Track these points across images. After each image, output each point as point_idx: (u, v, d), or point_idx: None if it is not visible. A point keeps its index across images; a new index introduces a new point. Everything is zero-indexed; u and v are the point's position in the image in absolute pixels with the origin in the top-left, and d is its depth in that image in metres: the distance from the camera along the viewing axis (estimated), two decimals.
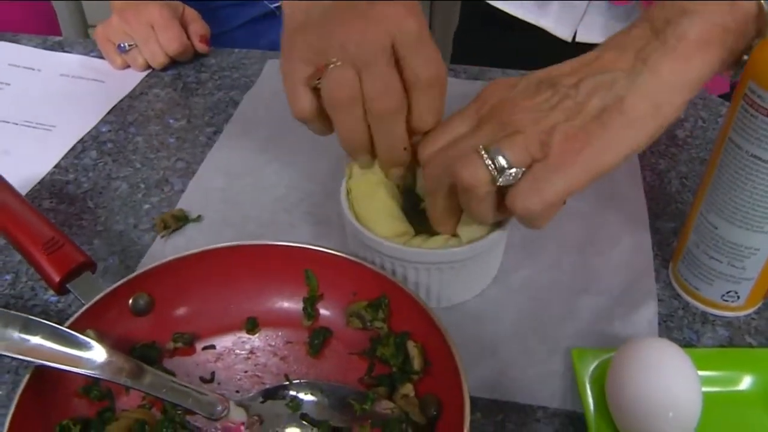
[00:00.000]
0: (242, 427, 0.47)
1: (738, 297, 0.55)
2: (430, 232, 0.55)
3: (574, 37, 0.89)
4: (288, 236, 0.63)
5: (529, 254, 0.62)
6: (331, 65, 0.50)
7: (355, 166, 0.56)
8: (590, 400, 0.49)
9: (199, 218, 0.66)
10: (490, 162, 0.45)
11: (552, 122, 0.45)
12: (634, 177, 0.70)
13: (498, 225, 0.54)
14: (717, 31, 0.45)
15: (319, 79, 0.51)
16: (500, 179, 0.45)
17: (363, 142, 0.53)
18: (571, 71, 0.48)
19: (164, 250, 0.63)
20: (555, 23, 0.89)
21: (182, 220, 0.65)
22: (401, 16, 0.50)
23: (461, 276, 0.56)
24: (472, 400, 0.43)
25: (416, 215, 0.57)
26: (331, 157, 0.71)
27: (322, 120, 0.53)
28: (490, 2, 0.93)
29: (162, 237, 0.64)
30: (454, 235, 0.54)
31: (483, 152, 0.46)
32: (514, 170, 0.45)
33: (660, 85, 0.45)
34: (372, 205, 0.55)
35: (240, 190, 0.69)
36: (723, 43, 0.46)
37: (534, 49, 0.80)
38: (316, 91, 0.52)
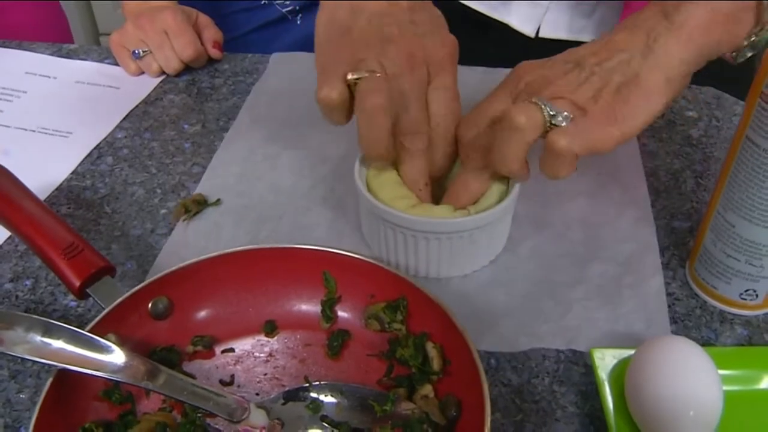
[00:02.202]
0: (263, 431, 0.47)
1: (756, 295, 0.55)
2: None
3: (538, 32, 0.92)
4: (304, 219, 0.66)
5: (536, 228, 0.65)
6: (378, 73, 0.54)
7: None
8: (609, 400, 0.48)
9: (218, 202, 0.68)
10: (545, 107, 0.50)
11: (584, 94, 0.51)
12: (633, 157, 0.72)
13: (504, 196, 0.58)
14: (718, 17, 0.51)
15: (357, 78, 0.54)
16: (554, 120, 0.50)
17: (382, 152, 0.55)
18: (592, 53, 0.53)
19: (186, 234, 0.64)
20: (519, 21, 0.93)
21: (202, 204, 0.67)
22: (446, 61, 0.58)
23: (473, 245, 0.58)
24: (494, 389, 0.44)
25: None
26: (340, 143, 0.74)
27: (342, 112, 0.55)
28: (462, 2, 0.96)
29: (183, 221, 0.65)
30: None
31: (536, 101, 0.51)
32: (565, 113, 0.50)
33: (669, 61, 0.51)
34: (384, 177, 0.58)
35: (256, 176, 0.71)
36: (723, 26, 0.51)
37: (503, 45, 0.87)
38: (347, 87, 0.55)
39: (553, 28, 0.91)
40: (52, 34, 1.21)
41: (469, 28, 0.96)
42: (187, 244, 0.63)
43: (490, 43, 0.90)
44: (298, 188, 0.70)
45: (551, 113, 0.50)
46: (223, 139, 0.76)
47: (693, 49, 0.51)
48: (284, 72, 0.87)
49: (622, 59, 0.52)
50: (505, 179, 0.58)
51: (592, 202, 0.67)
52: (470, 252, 0.59)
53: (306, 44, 0.81)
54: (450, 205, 0.57)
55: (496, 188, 0.57)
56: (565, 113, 0.50)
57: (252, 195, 0.69)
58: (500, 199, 0.57)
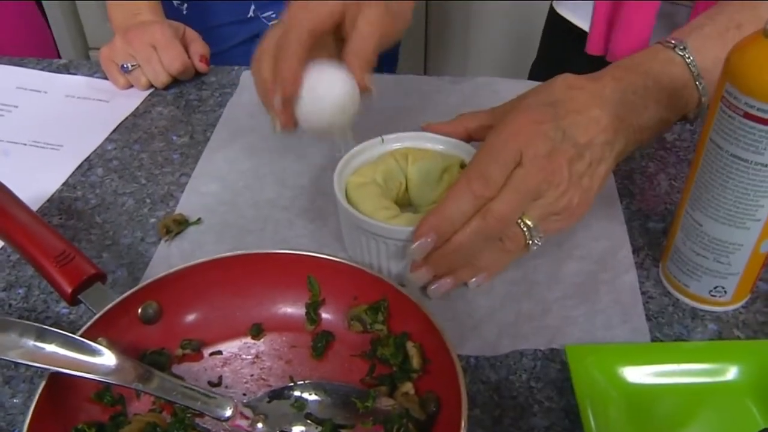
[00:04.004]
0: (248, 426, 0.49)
1: (725, 292, 0.57)
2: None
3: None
4: (287, 232, 0.67)
5: None
6: None
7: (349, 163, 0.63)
8: (584, 394, 0.50)
9: (199, 221, 0.69)
10: (527, 233, 0.56)
11: (574, 188, 0.56)
12: None
13: None
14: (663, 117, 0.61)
15: None
16: (531, 245, 0.57)
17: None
18: (585, 128, 0.57)
19: (169, 252, 0.65)
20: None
21: (183, 223, 0.68)
22: None
23: None
24: (473, 386, 0.45)
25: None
26: (318, 154, 0.75)
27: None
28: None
29: (166, 241, 0.66)
30: None
31: (526, 231, 0.56)
32: (541, 236, 0.57)
33: (619, 153, 0.59)
34: (365, 190, 0.60)
35: (235, 192, 0.72)
36: (667, 124, 0.63)
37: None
38: None
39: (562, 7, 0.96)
40: (37, 49, 1.22)
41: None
42: (170, 266, 0.61)
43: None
44: (279, 201, 0.71)
45: (531, 241, 0.56)
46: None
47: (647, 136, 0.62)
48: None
49: (603, 151, 0.57)
50: None
51: None
52: None
53: None
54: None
55: None
56: (541, 236, 0.56)
57: (232, 211, 0.70)
58: None
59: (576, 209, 0.57)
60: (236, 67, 0.93)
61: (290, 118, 0.61)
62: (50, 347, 0.48)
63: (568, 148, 0.56)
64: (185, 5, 1.10)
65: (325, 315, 0.57)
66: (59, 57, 1.29)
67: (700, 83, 0.61)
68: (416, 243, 0.54)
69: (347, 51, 0.60)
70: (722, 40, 0.61)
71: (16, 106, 0.87)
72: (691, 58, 0.61)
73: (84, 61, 0.97)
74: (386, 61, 1.10)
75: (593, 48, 0.88)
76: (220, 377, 0.54)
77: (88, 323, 0.51)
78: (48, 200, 0.72)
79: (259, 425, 0.48)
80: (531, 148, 0.54)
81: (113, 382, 0.48)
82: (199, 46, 0.91)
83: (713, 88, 0.57)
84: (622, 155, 0.60)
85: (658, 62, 0.61)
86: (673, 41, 0.62)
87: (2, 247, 0.66)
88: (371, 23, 0.60)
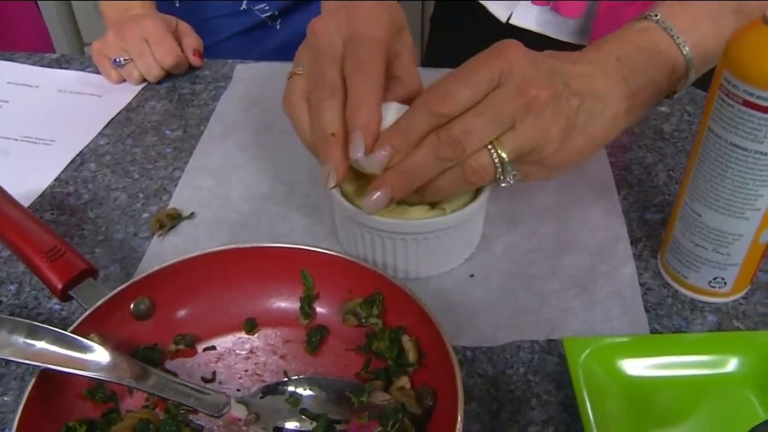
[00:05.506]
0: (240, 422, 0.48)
1: (725, 283, 0.56)
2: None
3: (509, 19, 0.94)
4: (281, 227, 0.66)
5: (507, 225, 0.66)
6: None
7: None
8: (582, 387, 0.50)
9: (192, 215, 0.68)
10: (500, 168, 0.51)
11: (556, 126, 0.51)
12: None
13: (477, 194, 0.58)
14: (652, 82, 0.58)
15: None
16: (502, 180, 0.52)
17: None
18: (577, 76, 0.53)
19: (162, 248, 0.65)
20: (495, 4, 0.94)
21: (176, 218, 0.67)
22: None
23: (448, 244, 0.59)
24: (470, 379, 0.45)
25: None
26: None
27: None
28: None
29: (159, 236, 0.65)
30: (433, 206, 0.58)
31: (491, 149, 0.51)
32: (514, 174, 0.52)
33: (617, 115, 0.55)
34: (360, 183, 0.58)
35: (229, 187, 0.71)
36: (656, 93, 0.58)
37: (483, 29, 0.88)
38: None
39: (523, 18, 0.92)
40: (33, 46, 1.21)
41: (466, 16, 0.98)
42: (163, 261, 0.61)
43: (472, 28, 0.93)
44: (273, 196, 0.70)
45: (501, 177, 0.52)
46: None
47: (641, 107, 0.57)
48: (249, 81, 0.87)
49: (592, 104, 0.53)
50: None
51: (561, 196, 0.68)
52: (446, 251, 0.60)
53: (285, 49, 0.83)
54: (425, 206, 0.58)
55: None
56: (514, 174, 0.52)
57: (226, 205, 0.69)
58: (474, 196, 0.58)
59: (562, 154, 0.53)
60: (230, 61, 0.92)
61: (347, 169, 0.54)
62: (41, 344, 0.47)
63: (558, 82, 0.51)
64: None
65: (319, 309, 0.56)
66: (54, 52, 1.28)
67: (682, 43, 0.57)
68: (371, 154, 0.51)
69: (409, 71, 0.58)
70: (690, 4, 0.59)
71: (7, 101, 0.86)
72: (667, 23, 0.57)
73: (76, 55, 0.96)
74: None
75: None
76: (214, 373, 0.53)
77: (80, 319, 0.51)
78: (40, 196, 0.71)
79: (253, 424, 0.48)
80: (516, 70, 0.50)
81: (105, 379, 0.48)
82: (192, 40, 0.90)
83: (699, 51, 0.57)
84: (631, 109, 0.56)
85: (632, 32, 0.58)
86: (642, 14, 0.59)
87: None
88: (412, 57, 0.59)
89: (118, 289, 0.53)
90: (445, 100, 0.49)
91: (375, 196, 0.52)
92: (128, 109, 0.84)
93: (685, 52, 0.57)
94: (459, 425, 0.42)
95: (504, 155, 0.51)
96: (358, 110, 0.51)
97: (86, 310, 0.51)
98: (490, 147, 0.51)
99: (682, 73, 0.58)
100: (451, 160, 0.51)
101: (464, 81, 0.50)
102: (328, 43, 0.55)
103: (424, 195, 0.55)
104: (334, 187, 0.53)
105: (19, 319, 0.48)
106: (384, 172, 0.52)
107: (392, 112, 0.53)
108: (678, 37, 0.57)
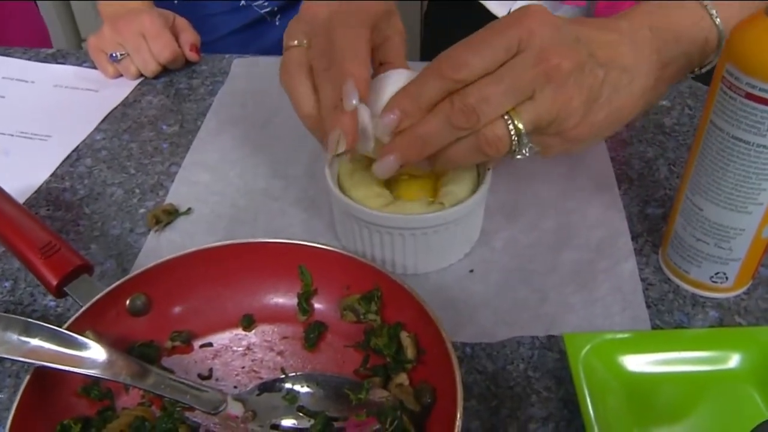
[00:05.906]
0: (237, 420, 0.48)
1: (726, 278, 0.56)
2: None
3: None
4: (279, 222, 0.66)
5: (508, 219, 0.65)
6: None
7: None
8: (583, 383, 0.49)
9: (189, 211, 0.67)
10: (516, 140, 0.50)
11: (578, 98, 0.49)
12: (599, 144, 0.74)
13: (476, 188, 0.58)
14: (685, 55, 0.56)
15: None
16: (517, 153, 0.51)
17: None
18: (604, 45, 0.51)
19: (158, 244, 0.64)
20: (496, 4, 0.93)
21: (173, 213, 0.66)
22: None
23: (448, 238, 0.58)
24: (469, 376, 0.44)
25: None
26: (310, 142, 0.72)
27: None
28: None
29: (155, 231, 0.65)
30: (432, 201, 0.57)
31: (507, 120, 0.49)
32: (530, 147, 0.51)
33: (644, 88, 0.53)
34: (358, 176, 0.58)
35: (226, 182, 0.71)
36: (686, 66, 0.57)
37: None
38: None
39: None
40: (31, 42, 1.21)
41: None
42: (159, 257, 0.61)
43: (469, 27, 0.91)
44: (270, 191, 0.69)
45: (516, 149, 0.50)
46: None
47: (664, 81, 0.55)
48: (246, 76, 0.87)
49: (617, 75, 0.51)
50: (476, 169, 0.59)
51: (562, 192, 0.68)
52: (445, 246, 0.59)
53: None
54: (424, 200, 0.58)
55: (469, 177, 0.58)
56: (531, 146, 0.50)
57: (223, 201, 0.68)
58: (473, 190, 0.58)
59: (584, 127, 0.51)
60: (227, 56, 0.91)
61: (357, 133, 0.52)
62: (36, 341, 0.47)
63: (582, 51, 0.49)
64: None
65: (317, 305, 0.55)
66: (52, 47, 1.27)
67: (715, 15, 0.55)
68: (381, 118, 0.50)
69: (397, 54, 0.58)
70: None
71: (3, 97, 0.85)
72: None
73: (72, 50, 0.95)
74: None
75: None
76: (211, 370, 0.52)
77: (75, 316, 0.50)
78: (36, 191, 0.71)
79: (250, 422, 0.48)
80: (536, 37, 0.48)
81: (101, 376, 0.47)
82: (189, 35, 0.90)
83: (730, 26, 0.53)
84: (660, 82, 0.55)
85: (664, 2, 0.56)
86: None
87: None
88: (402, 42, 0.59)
89: (114, 285, 0.52)
90: (457, 65, 0.48)
91: (385, 160, 0.51)
92: (125, 104, 0.84)
93: (718, 23, 0.55)
94: (458, 422, 0.42)
95: (521, 126, 0.49)
96: (343, 62, 0.52)
97: (81, 306, 0.51)
98: (506, 117, 0.49)
99: (714, 47, 0.56)
100: (464, 129, 0.49)
101: (479, 47, 0.48)
102: (327, 14, 0.55)
103: (435, 164, 0.53)
104: (342, 153, 0.52)
105: (13, 316, 0.48)
106: (395, 137, 0.51)
107: (403, 77, 0.53)
108: (711, 10, 0.55)
